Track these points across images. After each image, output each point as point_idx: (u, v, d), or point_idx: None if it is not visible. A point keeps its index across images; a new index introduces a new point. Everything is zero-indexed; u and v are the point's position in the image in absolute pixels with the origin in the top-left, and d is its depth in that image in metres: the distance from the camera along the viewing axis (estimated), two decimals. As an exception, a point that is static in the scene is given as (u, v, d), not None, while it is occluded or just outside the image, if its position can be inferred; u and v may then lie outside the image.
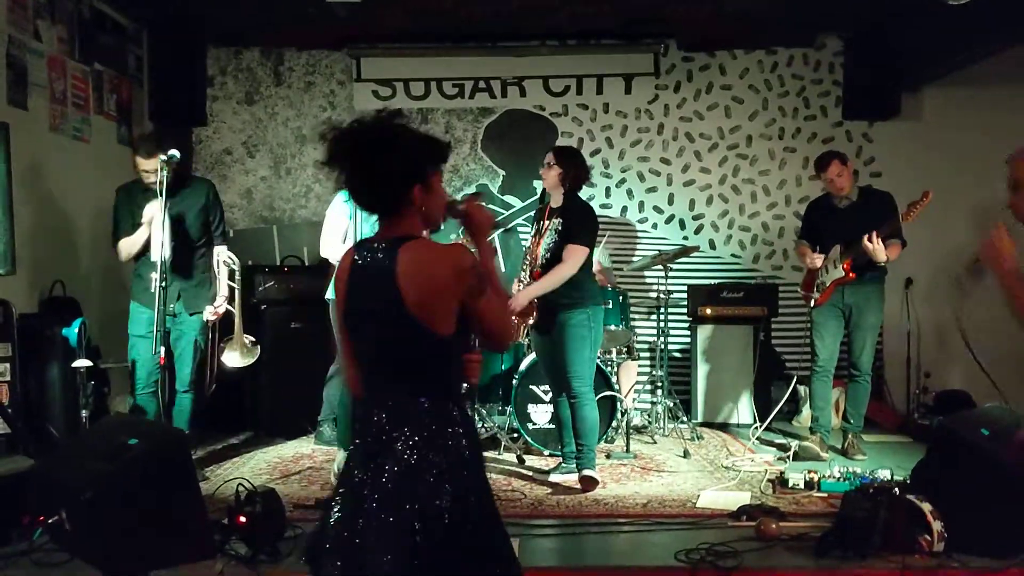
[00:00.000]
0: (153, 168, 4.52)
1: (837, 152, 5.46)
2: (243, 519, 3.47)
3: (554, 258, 4.64)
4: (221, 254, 4.90)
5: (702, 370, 6.60)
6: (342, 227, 4.69)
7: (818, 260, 5.32)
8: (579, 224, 4.68)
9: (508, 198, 7.22)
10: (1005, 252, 2.64)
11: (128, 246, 4.74)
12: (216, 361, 5.07)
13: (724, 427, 6.39)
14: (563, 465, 4.83)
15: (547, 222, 4.77)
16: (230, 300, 4.89)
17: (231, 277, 4.91)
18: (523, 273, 4.89)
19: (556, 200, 4.79)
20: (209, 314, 4.82)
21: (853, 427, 5.43)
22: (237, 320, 4.98)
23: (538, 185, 7.14)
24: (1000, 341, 4.55)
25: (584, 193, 7.08)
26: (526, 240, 6.79)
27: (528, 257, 4.88)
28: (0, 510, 3.53)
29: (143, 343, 4.67)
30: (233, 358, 5.07)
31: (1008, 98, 6.75)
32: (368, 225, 4.45)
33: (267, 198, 7.29)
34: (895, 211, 5.11)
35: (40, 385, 4.84)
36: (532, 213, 5.22)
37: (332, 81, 7.30)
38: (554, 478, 4.79)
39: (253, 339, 5.14)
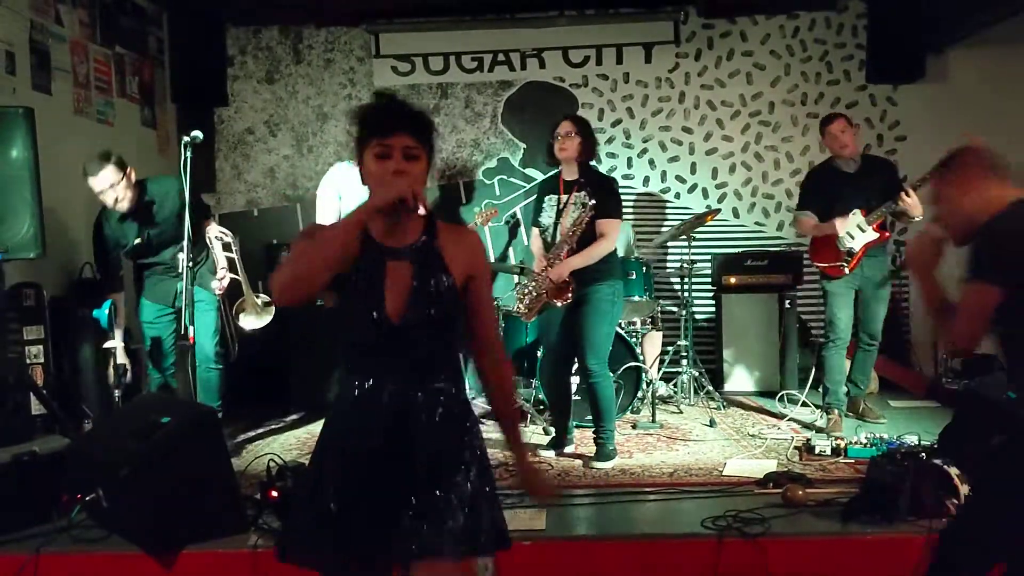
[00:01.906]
0: (105, 186, 4.50)
1: (846, 115, 5.39)
2: (275, 494, 3.53)
3: (584, 233, 4.53)
4: (211, 231, 4.87)
5: (727, 339, 6.59)
6: (333, 208, 4.61)
7: (844, 225, 5.07)
8: (609, 196, 4.58)
9: (529, 171, 7.20)
10: (928, 257, 2.66)
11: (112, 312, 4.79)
12: (234, 328, 5.08)
13: (750, 396, 6.39)
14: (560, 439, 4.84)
15: (567, 196, 4.62)
16: (232, 269, 4.88)
17: (227, 248, 4.89)
18: (556, 250, 4.61)
19: (571, 173, 4.64)
20: (216, 289, 4.84)
21: (862, 392, 5.43)
22: (244, 284, 4.95)
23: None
24: None
25: (605, 164, 7.15)
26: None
27: (555, 234, 4.66)
28: (39, 488, 3.61)
29: (152, 329, 4.90)
30: (248, 320, 5.02)
31: (1035, 57, 6.65)
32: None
33: (290, 176, 7.33)
34: (898, 174, 5.15)
35: (72, 366, 4.93)
36: (537, 189, 5.03)
37: (351, 58, 7.30)
38: (547, 454, 4.80)
39: (267, 298, 5.06)
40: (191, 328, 4.38)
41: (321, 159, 7.28)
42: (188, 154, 4.31)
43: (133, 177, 4.62)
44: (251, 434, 5.47)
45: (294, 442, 5.26)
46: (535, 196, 4.94)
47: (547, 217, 4.73)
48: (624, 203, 7.05)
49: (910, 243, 2.78)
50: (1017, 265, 2.41)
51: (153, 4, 6.63)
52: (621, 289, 4.71)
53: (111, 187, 4.50)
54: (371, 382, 2.12)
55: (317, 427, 5.58)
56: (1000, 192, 2.54)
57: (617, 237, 4.60)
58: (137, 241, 4.71)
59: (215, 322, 4.93)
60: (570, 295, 4.53)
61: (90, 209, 5.63)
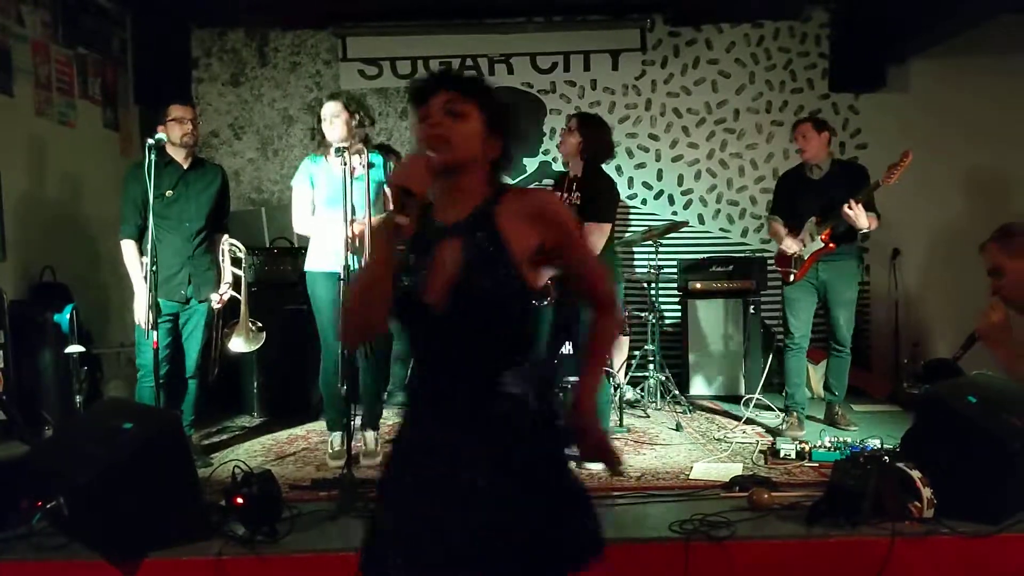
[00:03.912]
0: (187, 116, 4.59)
1: (817, 118, 5.45)
2: (240, 500, 3.49)
3: None
4: (224, 242, 4.81)
5: (693, 344, 6.64)
6: (307, 198, 4.62)
7: (793, 245, 5.20)
8: (600, 199, 4.59)
9: (497, 176, 7.20)
10: (1000, 330, 2.65)
11: (124, 254, 4.64)
12: (220, 348, 4.95)
13: (716, 400, 6.44)
14: None
15: (567, 195, 4.63)
16: (235, 287, 4.81)
17: (236, 264, 4.83)
18: None
19: (576, 169, 4.70)
20: (214, 302, 4.75)
21: (837, 398, 5.44)
22: (243, 306, 4.87)
23: (528, 162, 7.17)
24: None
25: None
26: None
27: None
28: (-2, 496, 3.55)
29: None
30: (239, 343, 4.93)
31: (993, 68, 6.79)
32: (328, 192, 4.43)
33: (255, 180, 7.27)
34: (869, 181, 5.11)
35: (33, 371, 4.84)
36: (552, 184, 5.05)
37: (318, 61, 7.27)
38: None
39: (260, 324, 5.00)
40: (153, 333, 4.32)
41: (287, 163, 7.23)
42: (152, 157, 4.26)
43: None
44: (216, 440, 5.41)
45: (259, 448, 5.20)
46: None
47: None
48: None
49: (980, 321, 2.76)
50: None
51: (116, 5, 6.55)
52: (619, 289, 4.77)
53: (189, 120, 4.61)
54: (427, 378, 1.95)
55: (282, 433, 5.60)
56: None
57: (603, 242, 4.56)
58: (168, 193, 4.58)
59: (204, 334, 4.78)
60: (551, 298, 4.56)
61: (50, 212, 5.57)
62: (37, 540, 3.37)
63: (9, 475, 3.61)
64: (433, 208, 1.95)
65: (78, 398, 4.64)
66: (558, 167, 7.20)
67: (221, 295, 4.76)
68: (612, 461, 1.97)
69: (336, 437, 4.67)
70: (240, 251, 4.85)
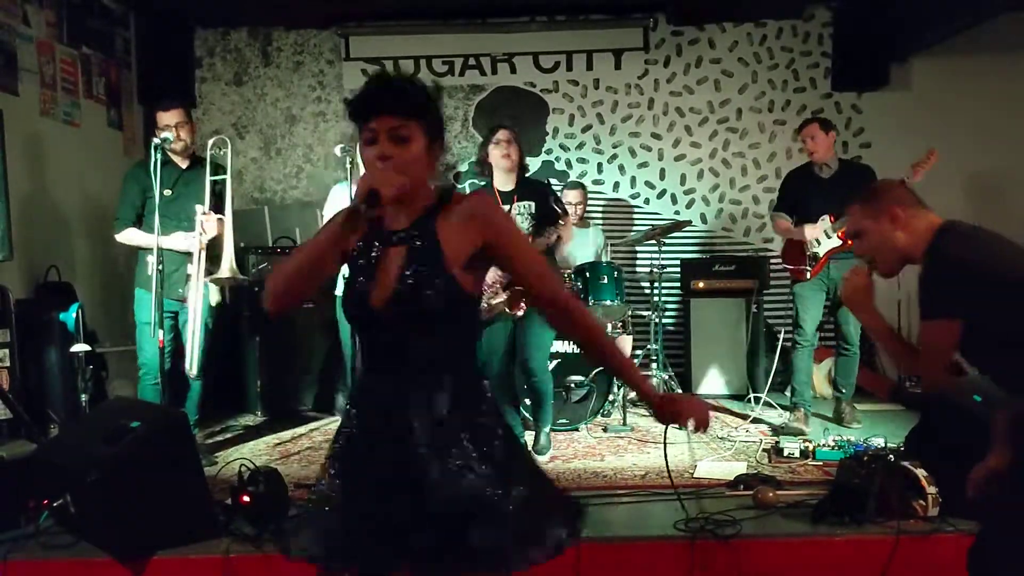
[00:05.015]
0: (171, 123, 4.53)
1: (822, 118, 5.46)
2: (247, 499, 3.50)
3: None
4: (206, 152, 4.73)
5: (696, 343, 6.65)
6: None
7: (815, 230, 5.17)
8: (556, 202, 4.75)
9: (500, 175, 7.21)
10: (864, 294, 2.66)
11: (128, 241, 4.65)
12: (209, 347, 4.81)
13: (718, 399, 6.45)
14: None
15: (508, 207, 4.62)
16: (219, 206, 4.66)
17: (215, 171, 4.70)
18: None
19: (506, 183, 4.65)
20: (199, 213, 4.57)
21: (845, 396, 5.46)
22: (227, 241, 4.62)
23: (532, 162, 7.15)
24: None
25: (576, 169, 7.20)
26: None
27: None
28: (5, 494, 3.55)
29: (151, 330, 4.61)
30: (224, 272, 4.60)
31: (995, 67, 6.79)
32: None
33: (257, 179, 7.28)
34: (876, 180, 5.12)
35: (39, 370, 4.86)
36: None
37: (321, 60, 7.27)
38: None
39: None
40: (160, 332, 4.34)
41: (290, 162, 7.24)
42: (158, 156, 4.27)
43: (195, 130, 4.79)
44: (219, 439, 5.42)
45: (263, 447, 5.22)
46: None
47: None
48: (594, 208, 7.14)
49: (844, 283, 2.79)
50: (971, 290, 2.38)
51: (120, 5, 6.56)
52: None
53: (176, 125, 4.54)
54: (368, 375, 2.04)
55: (286, 432, 5.60)
56: (928, 221, 2.57)
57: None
58: (167, 192, 4.54)
59: (204, 331, 4.73)
60: (524, 305, 4.61)
61: (55, 212, 5.59)
62: (44, 539, 3.38)
63: (16, 474, 3.63)
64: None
65: (84, 397, 4.63)
66: (560, 167, 7.23)
67: (204, 209, 4.59)
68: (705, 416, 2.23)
69: None
70: (225, 145, 4.74)
